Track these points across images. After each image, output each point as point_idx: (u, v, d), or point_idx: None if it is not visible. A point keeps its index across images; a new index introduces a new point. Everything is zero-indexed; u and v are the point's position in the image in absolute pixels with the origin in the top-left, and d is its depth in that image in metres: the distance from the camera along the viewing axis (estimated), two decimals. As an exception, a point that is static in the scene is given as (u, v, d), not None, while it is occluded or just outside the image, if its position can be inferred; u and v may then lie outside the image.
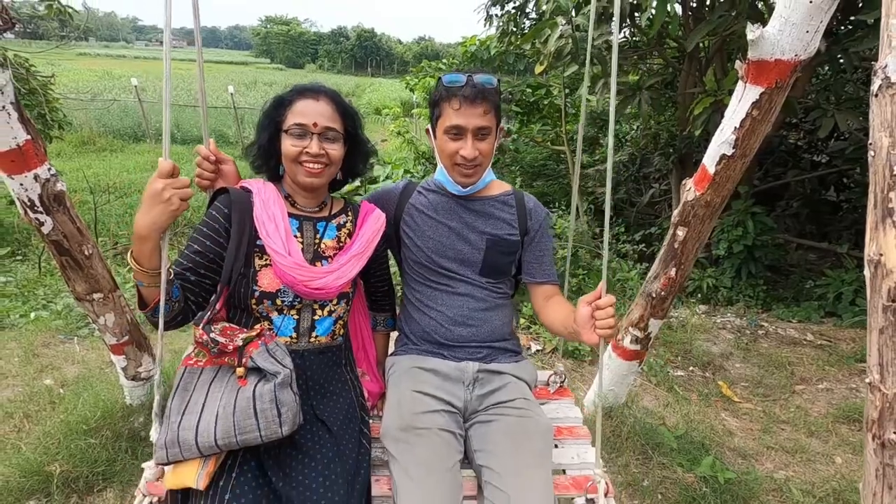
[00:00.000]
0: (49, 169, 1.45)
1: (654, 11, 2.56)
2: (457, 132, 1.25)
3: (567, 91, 5.86)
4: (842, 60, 3.24)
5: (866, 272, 0.89)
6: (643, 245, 5.50)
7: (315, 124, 1.15)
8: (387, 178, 4.99)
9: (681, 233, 1.67)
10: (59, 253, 1.57)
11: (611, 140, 1.09)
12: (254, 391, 1.03)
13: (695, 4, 4.13)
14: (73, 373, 2.50)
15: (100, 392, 2.16)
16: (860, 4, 2.79)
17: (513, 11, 4.91)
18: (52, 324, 3.08)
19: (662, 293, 1.81)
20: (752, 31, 1.26)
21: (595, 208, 6.94)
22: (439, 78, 1.27)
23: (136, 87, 14.04)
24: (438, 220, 1.37)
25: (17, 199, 1.44)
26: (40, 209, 1.46)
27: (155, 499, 1.11)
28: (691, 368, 3.08)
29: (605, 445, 2.15)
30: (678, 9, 3.96)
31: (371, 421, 1.33)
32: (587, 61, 1.41)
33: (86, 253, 1.62)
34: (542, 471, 1.16)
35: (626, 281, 4.07)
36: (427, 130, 1.36)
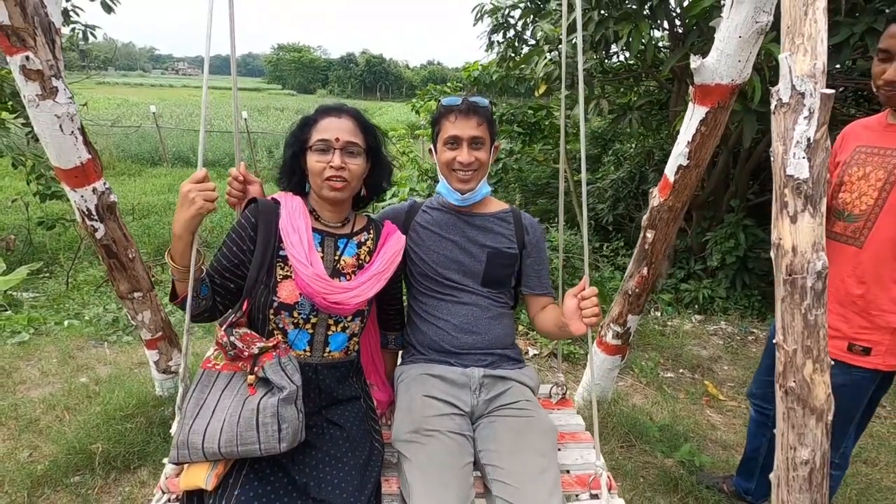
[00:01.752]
0: (104, 183, 1.72)
1: (630, 40, 2.83)
2: (454, 142, 1.39)
3: (568, 112, 6.14)
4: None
5: (772, 254, 1.10)
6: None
7: (337, 139, 1.21)
8: (392, 196, 5.25)
9: (650, 235, 1.89)
10: (108, 256, 1.82)
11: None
12: (258, 404, 1.08)
13: (680, 30, 4.41)
14: (106, 372, 2.73)
15: (132, 387, 2.38)
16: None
17: (512, 38, 5.23)
18: (84, 331, 3.33)
19: (637, 290, 2.02)
20: (694, 61, 1.50)
21: (595, 224, 7.17)
22: (439, 101, 1.46)
23: (154, 113, 14.66)
24: (442, 235, 1.48)
25: (77, 208, 1.70)
26: (96, 217, 1.72)
27: (173, 496, 1.17)
28: (681, 371, 3.24)
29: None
30: (661, 35, 4.23)
31: (381, 428, 1.39)
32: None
33: (129, 256, 1.87)
34: (545, 462, 1.21)
35: (621, 290, 4.25)
36: (430, 150, 1.50)
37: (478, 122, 1.39)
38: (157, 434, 2.07)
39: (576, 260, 4.82)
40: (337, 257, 1.28)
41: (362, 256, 1.32)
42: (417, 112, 7.75)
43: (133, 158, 13.85)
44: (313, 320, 1.24)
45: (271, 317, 1.22)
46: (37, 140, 5.93)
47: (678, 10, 3.78)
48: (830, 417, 1.03)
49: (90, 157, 1.63)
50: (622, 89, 5.67)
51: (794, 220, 1.05)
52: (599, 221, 7.09)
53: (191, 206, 1.09)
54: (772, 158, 1.10)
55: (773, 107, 1.10)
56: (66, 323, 3.46)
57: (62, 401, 2.40)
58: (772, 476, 1.10)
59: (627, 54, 4.91)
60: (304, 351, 1.25)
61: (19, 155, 6.02)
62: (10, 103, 6.16)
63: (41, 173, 5.53)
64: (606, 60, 4.65)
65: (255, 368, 1.13)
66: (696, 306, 4.94)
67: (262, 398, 1.09)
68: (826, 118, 1.03)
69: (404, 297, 1.58)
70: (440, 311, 1.46)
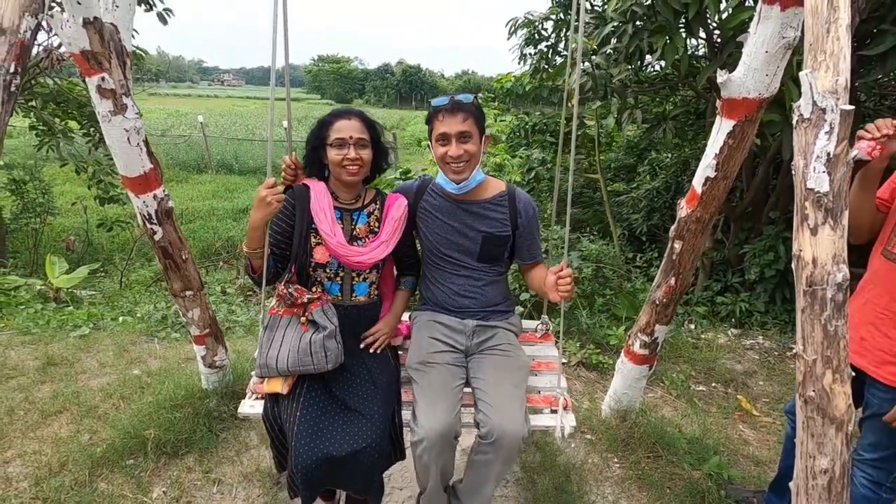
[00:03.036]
0: (163, 190, 1.88)
1: (665, 52, 2.84)
2: (444, 139, 1.60)
3: (601, 122, 6.13)
4: (859, 91, 3.38)
5: (794, 265, 1.12)
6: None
7: (351, 137, 1.57)
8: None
9: (678, 245, 1.90)
10: (164, 256, 1.98)
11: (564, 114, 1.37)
12: (310, 339, 1.54)
13: (718, 41, 4.36)
14: (156, 366, 2.92)
15: (180, 380, 2.55)
16: (867, 41, 2.95)
17: (545, 50, 5.29)
18: (137, 327, 3.56)
19: (664, 300, 2.03)
20: (721, 75, 1.53)
21: (629, 234, 7.08)
22: (430, 103, 1.66)
23: (201, 123, 15.38)
24: (444, 220, 1.75)
25: (139, 212, 1.87)
26: (155, 221, 1.88)
27: (259, 395, 1.65)
28: (714, 384, 3.19)
29: (618, 445, 2.33)
30: (699, 44, 4.19)
31: (399, 352, 1.87)
32: (576, 82, 1.70)
33: (183, 257, 2.03)
34: (517, 391, 1.59)
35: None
36: (428, 145, 1.71)
37: (463, 118, 1.58)
38: (203, 424, 2.22)
39: (607, 270, 4.80)
40: (353, 226, 1.67)
41: (372, 223, 1.70)
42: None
43: (181, 165, 14.57)
44: (341, 274, 1.67)
45: (311, 273, 1.65)
46: (97, 148, 6.34)
47: (716, 21, 3.75)
48: (851, 428, 1.04)
49: (152, 166, 1.80)
50: (657, 99, 5.62)
51: (814, 232, 1.07)
52: (633, 232, 7.00)
53: (268, 207, 1.47)
54: (793, 172, 1.13)
55: (794, 121, 1.13)
56: (120, 319, 3.71)
57: (118, 390, 2.59)
58: (791, 485, 1.11)
59: (663, 63, 4.89)
60: (337, 296, 1.68)
61: (81, 162, 6.47)
62: (75, 113, 6.65)
63: (100, 179, 5.93)
64: (642, 71, 4.63)
65: (307, 312, 1.59)
66: (733, 320, 4.81)
67: (312, 335, 1.55)
68: (846, 133, 1.05)
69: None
70: (444, 279, 1.81)
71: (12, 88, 1.12)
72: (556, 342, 1.95)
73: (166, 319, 3.76)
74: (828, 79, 1.08)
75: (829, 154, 1.06)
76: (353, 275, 1.68)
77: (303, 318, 1.59)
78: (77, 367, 2.85)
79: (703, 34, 3.86)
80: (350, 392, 1.57)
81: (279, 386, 1.55)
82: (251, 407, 1.64)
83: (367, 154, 1.61)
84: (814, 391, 1.06)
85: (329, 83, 69.50)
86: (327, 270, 1.65)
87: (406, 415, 1.63)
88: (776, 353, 3.67)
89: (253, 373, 1.72)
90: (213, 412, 2.32)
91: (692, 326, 4.36)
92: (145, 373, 2.81)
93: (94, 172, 5.88)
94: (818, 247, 1.06)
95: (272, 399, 1.58)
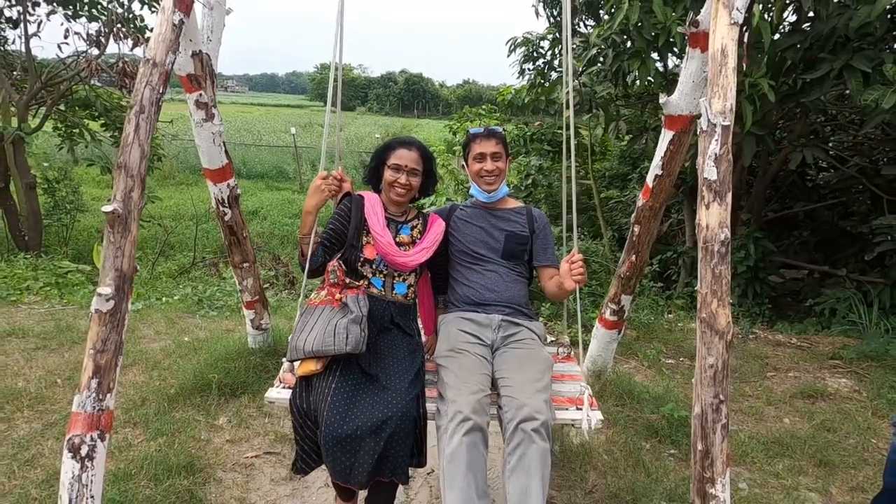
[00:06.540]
0: (234, 180, 2.39)
1: (636, 73, 3.37)
2: (480, 157, 1.99)
3: (593, 133, 6.68)
4: (809, 106, 3.92)
5: (697, 230, 1.63)
6: (658, 267, 6.10)
7: (406, 165, 1.86)
8: (431, 204, 5.90)
9: (636, 229, 2.42)
10: (230, 233, 2.49)
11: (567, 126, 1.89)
12: (337, 322, 1.66)
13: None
14: (203, 335, 3.42)
15: (228, 342, 3.05)
16: (813, 65, 3.50)
17: (541, 66, 5.84)
18: (178, 306, 4.06)
19: (628, 274, 2.54)
20: (662, 97, 2.05)
21: (619, 237, 7.60)
22: (467, 131, 2.10)
23: (212, 128, 15.92)
24: (473, 223, 2.06)
25: (215, 198, 2.38)
26: (226, 205, 2.39)
27: (285, 385, 1.74)
28: (681, 358, 3.68)
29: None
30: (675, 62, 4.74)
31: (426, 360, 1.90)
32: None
33: (243, 235, 2.54)
34: (540, 377, 1.67)
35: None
36: (462, 166, 2.13)
37: (496, 142, 1.99)
38: (253, 373, 2.71)
39: (595, 265, 5.32)
40: (397, 235, 1.90)
41: (414, 236, 1.94)
42: (454, 133, 8.49)
43: (191, 169, 15.12)
44: (384, 272, 1.87)
45: (360, 268, 1.86)
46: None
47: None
48: (729, 337, 1.54)
49: (227, 161, 2.32)
50: (638, 112, 6.16)
51: (708, 207, 1.58)
52: (622, 235, 7.53)
53: (321, 194, 1.82)
54: (697, 168, 1.64)
55: (698, 132, 1.64)
56: (163, 299, 4.22)
57: (175, 351, 3.09)
58: (693, 380, 1.61)
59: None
60: (380, 290, 1.86)
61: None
62: (101, 120, 7.20)
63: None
64: (628, 87, 5.18)
65: (342, 293, 1.76)
66: (709, 312, 5.30)
67: (339, 318, 1.68)
68: (727, 140, 1.56)
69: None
70: (471, 276, 2.03)
71: (160, 104, 1.63)
72: (578, 363, 2.13)
73: (202, 301, 4.26)
74: (719, 104, 1.60)
75: (716, 154, 1.57)
76: (395, 274, 1.87)
77: (339, 296, 1.74)
78: (137, 333, 3.35)
79: (677, 52, 4.41)
80: (382, 370, 1.69)
81: (313, 365, 1.62)
82: (278, 393, 1.72)
83: (416, 181, 1.89)
84: (705, 314, 1.56)
85: (332, 91, 70.35)
86: (373, 266, 1.85)
87: (430, 408, 1.67)
88: (739, 336, 4.17)
89: (284, 359, 1.82)
90: (260, 365, 2.81)
91: (671, 316, 4.86)
92: (194, 339, 3.31)
93: (124, 173, 6.39)
94: (710, 217, 1.57)
95: (302, 384, 1.64)
